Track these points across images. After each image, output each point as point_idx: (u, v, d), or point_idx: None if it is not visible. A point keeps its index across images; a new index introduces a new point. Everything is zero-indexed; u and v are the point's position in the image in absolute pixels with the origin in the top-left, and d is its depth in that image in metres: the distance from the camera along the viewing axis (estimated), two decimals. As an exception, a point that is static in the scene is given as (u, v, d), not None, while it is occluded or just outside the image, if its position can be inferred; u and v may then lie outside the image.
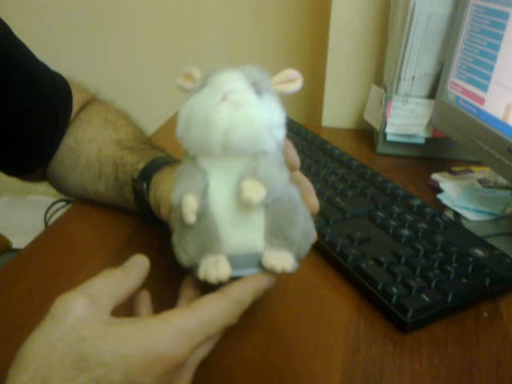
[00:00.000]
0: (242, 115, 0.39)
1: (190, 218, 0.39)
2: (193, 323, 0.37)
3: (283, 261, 0.41)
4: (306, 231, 0.43)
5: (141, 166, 0.61)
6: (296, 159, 0.45)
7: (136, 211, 0.63)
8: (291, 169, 0.44)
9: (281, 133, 0.41)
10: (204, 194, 0.40)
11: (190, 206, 0.39)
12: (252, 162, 0.40)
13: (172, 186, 0.41)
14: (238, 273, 0.41)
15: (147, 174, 0.59)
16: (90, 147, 0.67)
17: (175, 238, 0.43)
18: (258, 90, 0.40)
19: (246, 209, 0.40)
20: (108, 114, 0.71)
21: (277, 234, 0.41)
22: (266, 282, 0.42)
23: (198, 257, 0.42)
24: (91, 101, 0.73)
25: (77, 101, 0.71)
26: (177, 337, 0.35)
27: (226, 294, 0.39)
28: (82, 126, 0.69)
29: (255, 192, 0.39)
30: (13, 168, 0.70)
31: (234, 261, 0.41)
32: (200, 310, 0.38)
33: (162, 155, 0.62)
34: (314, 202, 0.46)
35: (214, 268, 0.40)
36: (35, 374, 0.32)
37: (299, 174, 0.47)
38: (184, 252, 0.42)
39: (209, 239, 0.41)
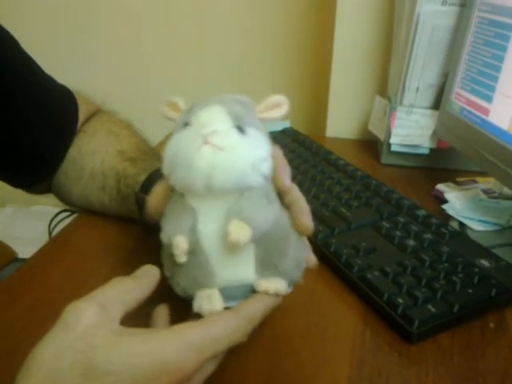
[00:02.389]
0: (224, 158, 0.39)
1: (181, 258, 0.41)
2: (203, 338, 0.37)
3: (276, 283, 0.42)
4: (297, 260, 0.44)
5: (142, 178, 0.61)
6: (286, 182, 0.44)
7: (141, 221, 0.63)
8: (283, 193, 0.44)
9: (267, 165, 0.42)
10: (193, 231, 0.41)
11: (181, 248, 0.40)
12: (238, 198, 0.41)
13: (161, 222, 0.42)
14: (231, 304, 0.42)
15: (149, 186, 0.59)
16: (93, 159, 0.67)
17: (167, 273, 0.44)
18: (240, 126, 0.41)
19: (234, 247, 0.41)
20: (111, 125, 0.71)
21: (267, 265, 0.42)
22: (275, 300, 0.43)
23: (191, 289, 0.43)
24: (96, 112, 0.74)
25: (82, 113, 0.71)
26: (185, 350, 0.35)
27: (238, 312, 0.40)
28: (85, 138, 0.69)
29: (241, 233, 0.39)
30: (18, 180, 0.71)
31: (227, 292, 0.42)
32: (211, 326, 0.38)
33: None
34: (308, 223, 0.45)
35: (208, 302, 0.41)
36: (44, 381, 0.32)
37: (294, 193, 0.46)
38: (178, 286, 0.43)
39: (201, 274, 0.42)
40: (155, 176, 0.60)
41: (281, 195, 0.44)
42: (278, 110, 0.44)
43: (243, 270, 0.42)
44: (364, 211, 0.69)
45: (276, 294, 0.42)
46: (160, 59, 1.36)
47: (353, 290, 0.57)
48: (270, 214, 0.42)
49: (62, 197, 0.73)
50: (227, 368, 0.47)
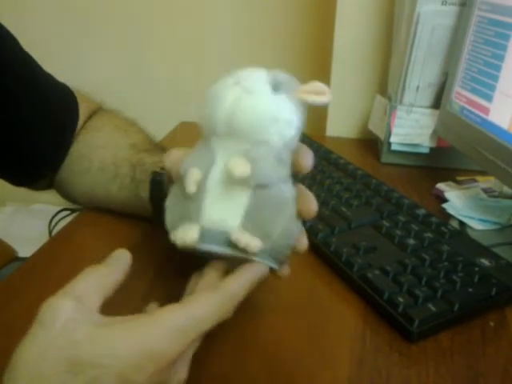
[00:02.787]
0: (249, 100, 0.42)
1: (191, 187, 0.42)
2: (186, 321, 0.37)
3: (250, 239, 0.41)
4: (286, 232, 0.44)
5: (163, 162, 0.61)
6: (307, 162, 0.45)
7: (147, 213, 0.62)
8: (300, 169, 0.45)
9: (290, 132, 0.43)
10: (207, 171, 0.43)
11: (194, 177, 0.42)
12: (252, 146, 0.42)
13: (184, 159, 0.44)
14: (206, 246, 0.42)
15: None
16: (103, 153, 0.67)
17: (169, 202, 0.46)
18: (276, 86, 0.43)
19: (232, 188, 0.42)
20: (118, 121, 0.72)
21: (254, 222, 0.42)
22: (258, 274, 0.42)
23: (177, 223, 0.44)
24: (98, 110, 0.74)
25: (83, 110, 0.71)
26: (170, 336, 0.36)
27: (218, 289, 0.40)
28: (92, 134, 0.69)
29: (239, 166, 0.41)
30: (19, 178, 0.71)
31: (207, 235, 0.42)
32: (192, 307, 0.38)
33: None
34: (312, 206, 0.46)
35: (184, 232, 0.42)
36: (30, 383, 0.32)
37: (302, 187, 0.46)
38: (170, 216, 0.45)
39: (191, 208, 0.43)
40: None
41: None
42: (319, 96, 0.44)
43: (230, 217, 0.42)
44: (364, 210, 0.69)
45: (245, 252, 0.41)
46: (161, 57, 1.36)
47: (353, 289, 0.57)
48: (273, 170, 0.43)
49: (65, 192, 0.72)
50: (227, 367, 0.47)
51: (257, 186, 0.42)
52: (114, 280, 0.40)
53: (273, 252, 0.43)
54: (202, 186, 0.42)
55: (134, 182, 0.64)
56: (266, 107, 0.42)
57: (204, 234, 0.42)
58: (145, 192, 0.61)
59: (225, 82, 0.43)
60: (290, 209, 0.44)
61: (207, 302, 0.38)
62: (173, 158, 0.47)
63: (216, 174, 0.43)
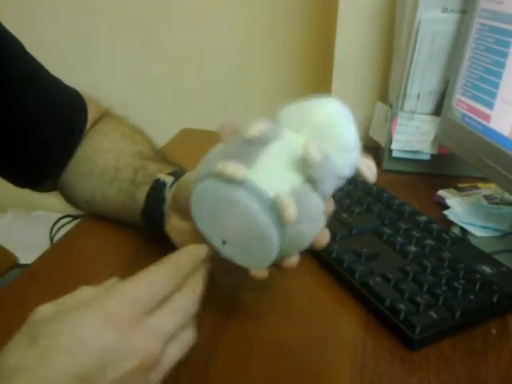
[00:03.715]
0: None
1: (255, 132, 0.41)
2: (133, 285, 0.38)
3: (290, 206, 0.40)
4: (307, 241, 0.45)
5: (169, 170, 0.61)
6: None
7: (140, 220, 0.63)
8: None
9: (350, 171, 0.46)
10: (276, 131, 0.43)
11: (260, 128, 0.41)
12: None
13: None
14: (244, 195, 0.41)
15: (177, 173, 0.60)
16: (107, 157, 0.68)
17: (210, 155, 0.44)
18: None
19: (289, 165, 0.41)
20: (125, 128, 0.72)
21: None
22: (201, 252, 0.43)
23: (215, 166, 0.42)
24: (105, 114, 0.74)
25: (92, 113, 0.72)
26: (120, 299, 0.37)
27: (160, 261, 0.41)
28: (99, 137, 0.70)
29: (316, 152, 0.41)
30: (24, 179, 0.71)
31: (249, 185, 0.41)
32: (138, 276, 0.39)
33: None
34: (325, 241, 0.48)
35: (235, 167, 0.40)
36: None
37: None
38: (206, 164, 0.44)
39: (245, 160, 0.41)
40: (184, 171, 0.60)
41: None
42: (371, 170, 0.49)
43: (276, 184, 0.41)
44: (365, 217, 0.69)
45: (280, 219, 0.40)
46: (162, 60, 1.36)
47: (354, 296, 0.57)
48: (329, 177, 0.44)
49: (68, 195, 0.72)
50: (228, 372, 0.47)
51: (310, 178, 0.41)
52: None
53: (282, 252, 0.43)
54: (260, 146, 0.42)
55: (133, 185, 0.64)
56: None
57: (247, 183, 0.40)
58: (142, 194, 0.61)
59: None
60: (321, 223, 0.45)
61: (152, 270, 0.40)
62: (227, 125, 0.46)
63: (275, 151, 0.42)
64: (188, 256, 0.42)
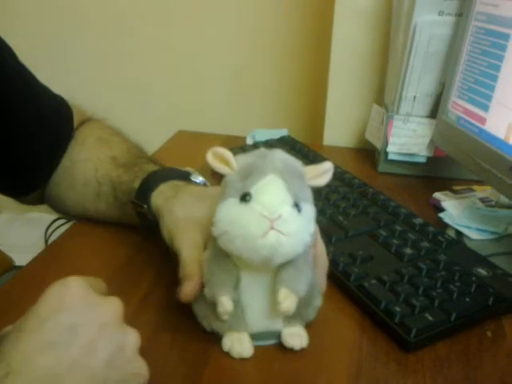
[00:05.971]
0: (286, 244, 0.43)
1: (225, 317, 0.46)
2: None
3: (300, 339, 0.49)
4: (316, 306, 0.51)
5: (136, 185, 0.61)
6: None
7: (140, 226, 0.63)
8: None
9: (313, 236, 0.46)
10: (236, 287, 0.46)
11: (226, 309, 0.45)
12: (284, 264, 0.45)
13: (206, 273, 0.47)
14: (258, 343, 0.49)
15: (144, 194, 0.60)
16: (85, 167, 0.67)
17: (200, 312, 0.49)
18: (298, 203, 0.44)
19: (273, 307, 0.46)
20: (101, 132, 0.71)
21: (295, 315, 0.47)
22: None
23: (221, 330, 0.49)
24: (86, 120, 0.74)
25: (76, 122, 0.72)
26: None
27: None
28: (76, 147, 0.69)
29: (290, 303, 0.45)
30: (13, 188, 0.70)
31: (256, 336, 0.49)
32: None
33: (154, 169, 0.63)
34: (323, 282, 0.52)
35: (239, 346, 0.48)
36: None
37: (320, 249, 0.52)
38: (208, 325, 0.49)
39: (236, 322, 0.47)
40: (148, 182, 0.60)
41: None
42: (326, 176, 0.48)
43: (274, 321, 0.48)
44: (361, 219, 0.69)
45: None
46: (156, 63, 1.36)
47: (350, 299, 0.57)
48: (309, 276, 0.47)
49: (57, 207, 0.72)
50: (223, 375, 0.47)
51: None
52: None
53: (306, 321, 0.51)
54: (236, 301, 0.46)
55: (118, 202, 0.65)
56: (300, 241, 0.44)
57: (253, 336, 0.49)
58: (131, 211, 0.62)
59: (257, 226, 0.42)
60: (317, 286, 0.51)
61: None
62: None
63: (249, 291, 0.47)
64: None
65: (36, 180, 0.69)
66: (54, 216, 1.23)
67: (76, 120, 0.72)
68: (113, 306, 0.39)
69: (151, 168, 0.63)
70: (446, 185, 0.85)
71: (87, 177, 0.67)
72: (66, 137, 0.70)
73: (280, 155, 0.46)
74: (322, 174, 0.47)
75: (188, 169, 0.66)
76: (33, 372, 0.33)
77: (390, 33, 0.94)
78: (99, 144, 0.69)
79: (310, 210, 0.45)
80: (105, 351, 0.36)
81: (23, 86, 0.65)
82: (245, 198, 0.43)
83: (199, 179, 0.63)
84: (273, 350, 0.50)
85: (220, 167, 0.45)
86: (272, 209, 0.42)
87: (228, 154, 0.45)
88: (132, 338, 0.39)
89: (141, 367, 0.39)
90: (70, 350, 0.35)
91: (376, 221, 0.68)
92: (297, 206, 0.43)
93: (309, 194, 0.46)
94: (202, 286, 0.47)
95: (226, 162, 0.45)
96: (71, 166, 0.68)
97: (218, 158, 0.45)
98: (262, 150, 0.47)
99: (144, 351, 0.49)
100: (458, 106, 0.78)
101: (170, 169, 0.63)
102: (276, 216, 0.42)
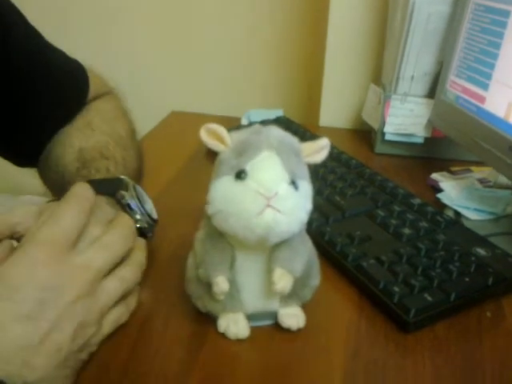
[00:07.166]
0: (283, 222, 0.41)
1: (220, 297, 0.45)
2: (46, 231, 0.42)
3: (297, 319, 0.49)
4: (314, 286, 0.50)
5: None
6: None
7: None
8: None
9: (309, 212, 0.44)
10: (231, 267, 0.45)
11: (222, 289, 0.44)
12: (279, 243, 0.44)
13: (200, 253, 0.46)
14: (254, 324, 0.48)
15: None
16: (57, 150, 0.64)
17: (194, 293, 0.48)
18: (295, 180, 0.42)
19: (269, 287, 0.45)
20: (96, 118, 0.67)
21: (291, 295, 0.47)
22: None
23: (216, 311, 0.48)
24: (103, 95, 0.72)
25: (91, 89, 0.69)
26: (39, 245, 0.41)
27: (64, 198, 0.45)
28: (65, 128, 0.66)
29: (285, 283, 0.44)
30: (26, 157, 0.68)
31: (252, 317, 0.48)
32: (50, 220, 0.43)
33: (93, 177, 0.58)
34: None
35: (235, 326, 0.47)
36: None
37: None
38: (203, 306, 0.48)
39: (231, 303, 0.47)
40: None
41: None
42: (323, 152, 0.46)
43: (270, 302, 0.48)
44: (359, 200, 0.68)
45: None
46: (148, 43, 1.34)
47: (348, 279, 0.56)
48: (305, 256, 0.46)
49: (42, 178, 0.70)
50: (219, 357, 0.46)
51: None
52: None
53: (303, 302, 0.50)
54: (231, 281, 0.45)
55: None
56: (297, 220, 0.43)
57: (250, 317, 0.48)
58: None
59: (252, 203, 0.41)
60: (316, 264, 0.50)
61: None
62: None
63: (244, 270, 0.46)
64: (83, 187, 0.46)
65: (37, 145, 0.66)
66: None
67: (93, 89, 0.70)
68: (85, 273, 0.41)
69: (93, 175, 0.59)
70: (443, 166, 0.84)
71: (58, 160, 0.63)
72: (78, 99, 0.68)
73: (275, 131, 0.44)
74: (318, 150, 0.45)
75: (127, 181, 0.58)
76: (4, 342, 0.36)
77: (388, 10, 0.93)
78: (83, 130, 0.65)
79: (306, 187, 0.44)
80: (71, 327, 0.40)
81: (35, 50, 0.63)
82: (240, 175, 0.41)
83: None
84: (269, 330, 0.49)
85: (214, 144, 0.43)
86: (268, 186, 0.41)
87: (222, 130, 0.43)
88: (100, 304, 0.43)
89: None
90: (39, 323, 0.38)
91: (374, 201, 0.67)
92: (293, 183, 0.42)
93: (305, 171, 0.45)
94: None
95: (220, 139, 0.43)
96: (52, 144, 0.65)
97: (212, 134, 0.43)
98: (257, 126, 0.45)
99: (138, 334, 0.48)
100: (456, 85, 0.76)
101: (103, 181, 0.58)
102: (272, 193, 0.41)
